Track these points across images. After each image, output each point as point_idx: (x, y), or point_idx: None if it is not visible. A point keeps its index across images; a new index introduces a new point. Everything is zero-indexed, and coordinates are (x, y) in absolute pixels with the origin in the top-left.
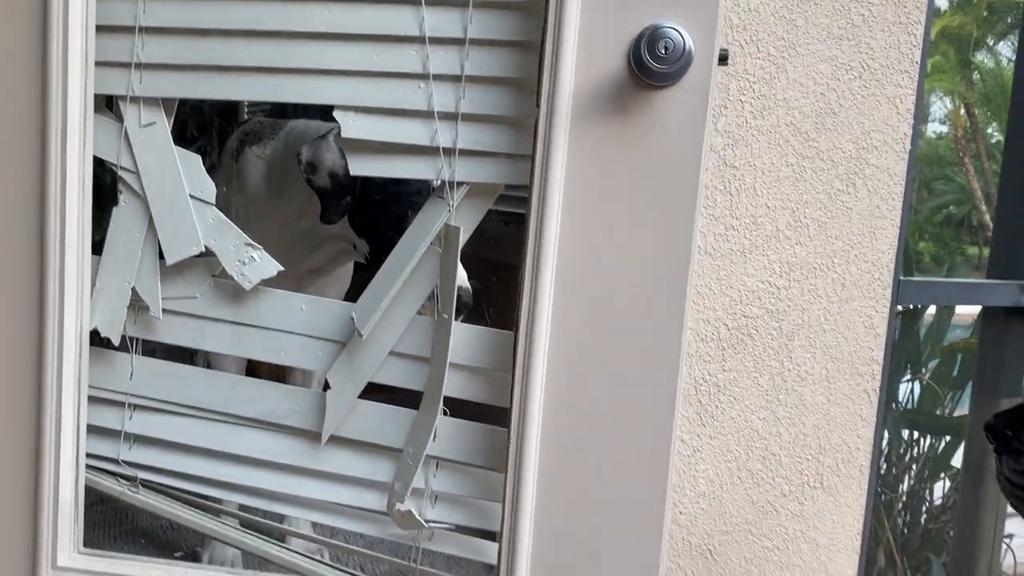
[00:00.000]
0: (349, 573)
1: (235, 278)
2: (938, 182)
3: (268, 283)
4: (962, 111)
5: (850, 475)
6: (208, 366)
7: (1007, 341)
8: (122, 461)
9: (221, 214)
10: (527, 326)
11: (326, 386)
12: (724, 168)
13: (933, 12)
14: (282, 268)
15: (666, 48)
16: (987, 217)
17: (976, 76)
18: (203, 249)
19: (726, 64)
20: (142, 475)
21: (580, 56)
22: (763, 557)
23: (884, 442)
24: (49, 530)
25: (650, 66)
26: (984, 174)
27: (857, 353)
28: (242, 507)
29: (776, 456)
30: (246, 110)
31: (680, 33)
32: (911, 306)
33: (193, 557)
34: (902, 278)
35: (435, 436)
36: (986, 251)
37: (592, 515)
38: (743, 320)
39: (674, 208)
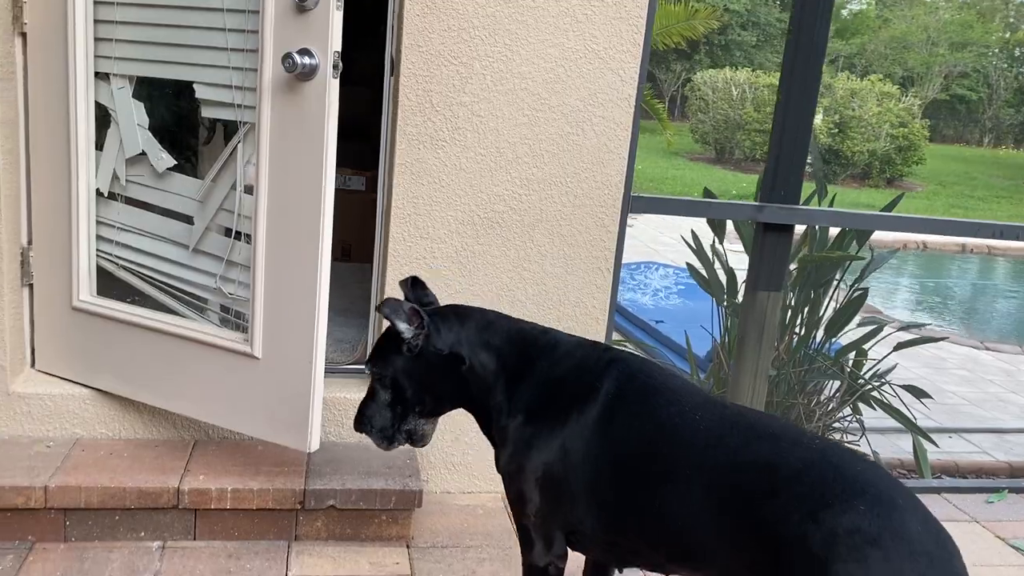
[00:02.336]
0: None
1: (154, 165)
2: None
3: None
4: None
5: (587, 324)
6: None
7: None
8: (111, 254)
9: (149, 133)
10: (254, 197)
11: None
12: (472, 117)
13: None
14: (175, 162)
15: (300, 62)
16: None
17: None
18: (141, 150)
19: (338, 70)
20: (121, 261)
21: (272, 63)
22: None
23: None
24: (76, 280)
25: (294, 70)
26: None
27: (592, 243)
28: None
29: (522, 302)
30: None
31: (311, 53)
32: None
33: None
34: (632, 195)
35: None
36: None
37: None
38: (492, 213)
39: (315, 137)
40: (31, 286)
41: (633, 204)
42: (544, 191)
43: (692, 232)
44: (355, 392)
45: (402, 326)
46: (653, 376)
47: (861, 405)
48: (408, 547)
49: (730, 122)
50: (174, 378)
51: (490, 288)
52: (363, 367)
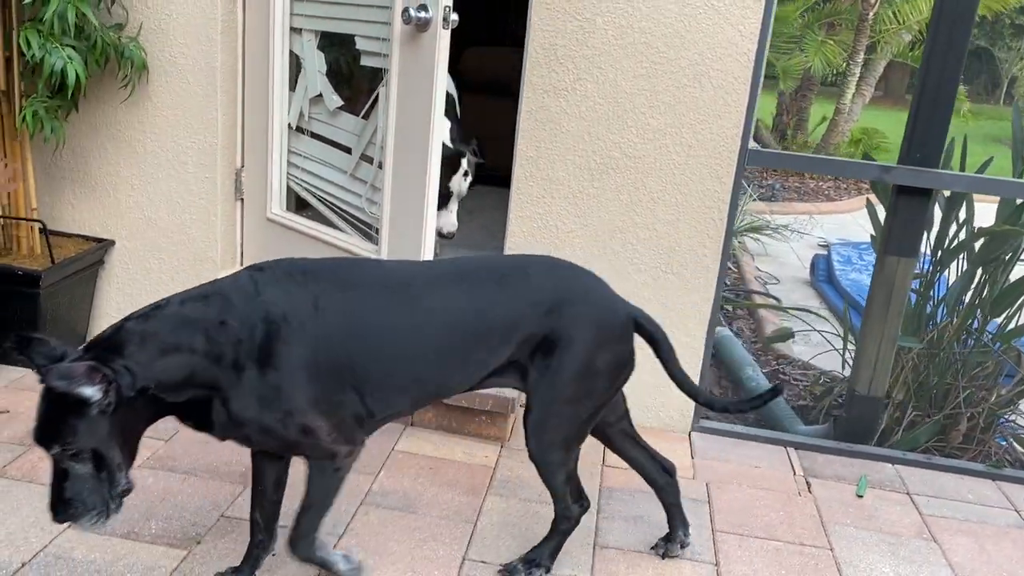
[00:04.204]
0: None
1: (328, 104)
2: None
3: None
4: None
5: (697, 273)
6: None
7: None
8: (297, 177)
9: (326, 78)
10: (384, 132)
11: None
12: (592, 69)
13: None
14: (342, 102)
15: (414, 16)
16: None
17: None
18: (319, 92)
19: (449, 22)
20: (303, 183)
21: (398, 17)
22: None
23: None
24: (269, 196)
25: (410, 22)
26: None
27: (705, 193)
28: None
29: (633, 245)
30: None
31: (426, 8)
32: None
33: None
34: (750, 148)
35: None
36: None
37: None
38: (608, 159)
39: (428, 73)
40: (242, 200)
41: (750, 158)
42: (659, 140)
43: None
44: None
45: (88, 391)
46: (318, 274)
47: None
48: (502, 447)
49: None
50: None
51: (603, 230)
52: None
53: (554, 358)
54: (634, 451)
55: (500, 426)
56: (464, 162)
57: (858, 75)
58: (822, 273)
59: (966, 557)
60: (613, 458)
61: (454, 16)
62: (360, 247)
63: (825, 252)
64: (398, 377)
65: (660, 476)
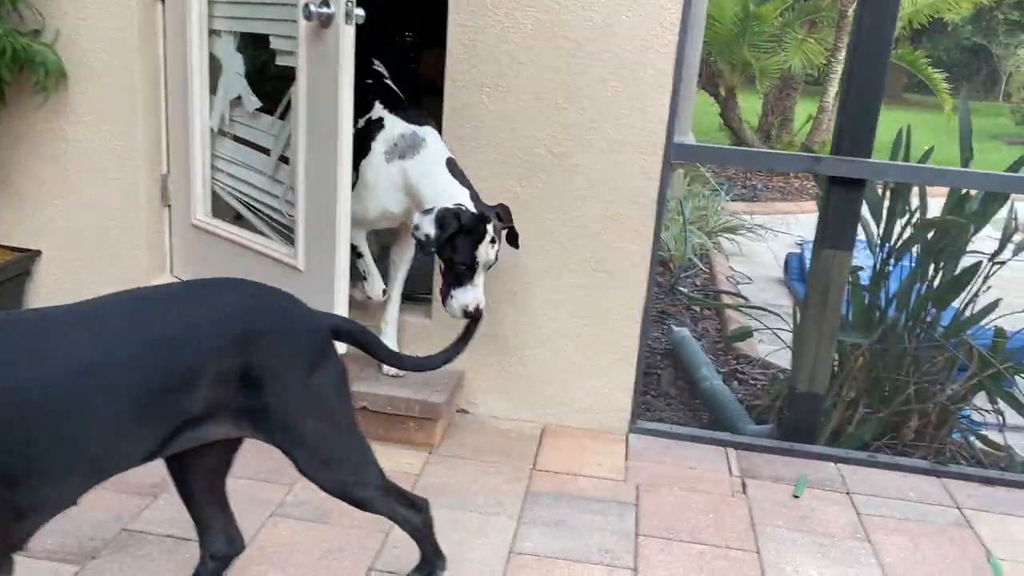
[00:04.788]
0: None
1: (246, 106)
2: None
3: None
4: None
5: (627, 271)
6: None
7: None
8: (221, 181)
9: (244, 80)
10: (295, 132)
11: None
12: (514, 64)
13: None
14: (260, 104)
15: (315, 11)
16: None
17: None
18: (238, 94)
19: (351, 18)
20: (227, 188)
21: (303, 14)
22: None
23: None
24: (194, 202)
25: (311, 19)
26: None
27: (634, 190)
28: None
29: (563, 244)
30: None
31: (328, 3)
32: None
33: None
34: (675, 141)
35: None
36: None
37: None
38: (533, 156)
39: (333, 70)
40: (169, 207)
41: (676, 152)
42: (583, 137)
43: None
44: (416, 317)
45: None
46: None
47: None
48: (430, 453)
49: None
50: None
51: (533, 231)
52: (423, 295)
53: (266, 395)
54: (211, 511)
55: (429, 431)
56: (490, 228)
57: (840, 73)
58: (795, 271)
59: (898, 557)
60: (542, 461)
61: (359, 11)
62: (281, 252)
63: (799, 250)
64: (60, 450)
65: (221, 547)
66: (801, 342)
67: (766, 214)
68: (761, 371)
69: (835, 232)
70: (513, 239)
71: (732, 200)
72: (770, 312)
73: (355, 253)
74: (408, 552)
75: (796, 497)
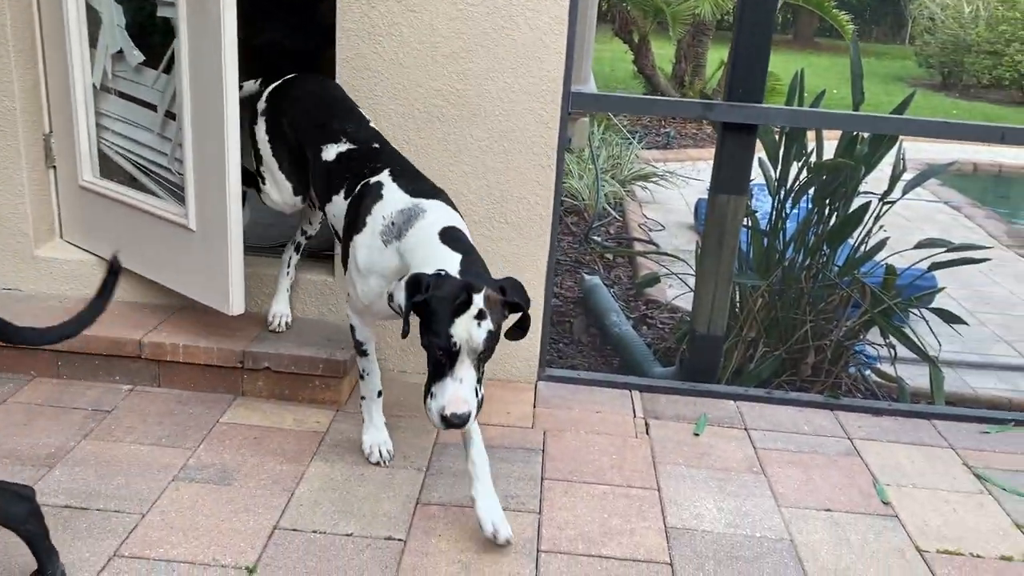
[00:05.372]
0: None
1: (129, 60)
2: None
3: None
4: None
5: (531, 221)
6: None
7: None
8: (107, 140)
9: (125, 32)
10: (180, 85)
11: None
12: (407, 12)
13: None
14: (144, 58)
15: None
16: None
17: None
18: (119, 48)
19: None
20: (114, 146)
21: None
22: None
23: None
24: (80, 163)
25: None
26: None
27: (532, 139)
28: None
29: (464, 195)
30: None
31: None
32: None
33: None
34: (572, 90)
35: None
36: None
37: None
38: (431, 107)
39: (215, 20)
40: (55, 168)
41: (574, 100)
42: (480, 86)
43: None
44: (317, 274)
45: None
46: None
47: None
48: (337, 411)
49: (959, 44)
50: (146, 248)
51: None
52: (325, 252)
53: None
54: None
55: (335, 389)
56: (478, 299)
57: None
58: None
59: (791, 487)
60: None
61: None
62: (173, 212)
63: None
64: None
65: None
66: (701, 286)
67: (678, 161)
68: (669, 315)
69: (729, 177)
70: (521, 323)
71: (646, 148)
72: (678, 258)
73: (358, 349)
74: (314, 507)
75: (697, 435)
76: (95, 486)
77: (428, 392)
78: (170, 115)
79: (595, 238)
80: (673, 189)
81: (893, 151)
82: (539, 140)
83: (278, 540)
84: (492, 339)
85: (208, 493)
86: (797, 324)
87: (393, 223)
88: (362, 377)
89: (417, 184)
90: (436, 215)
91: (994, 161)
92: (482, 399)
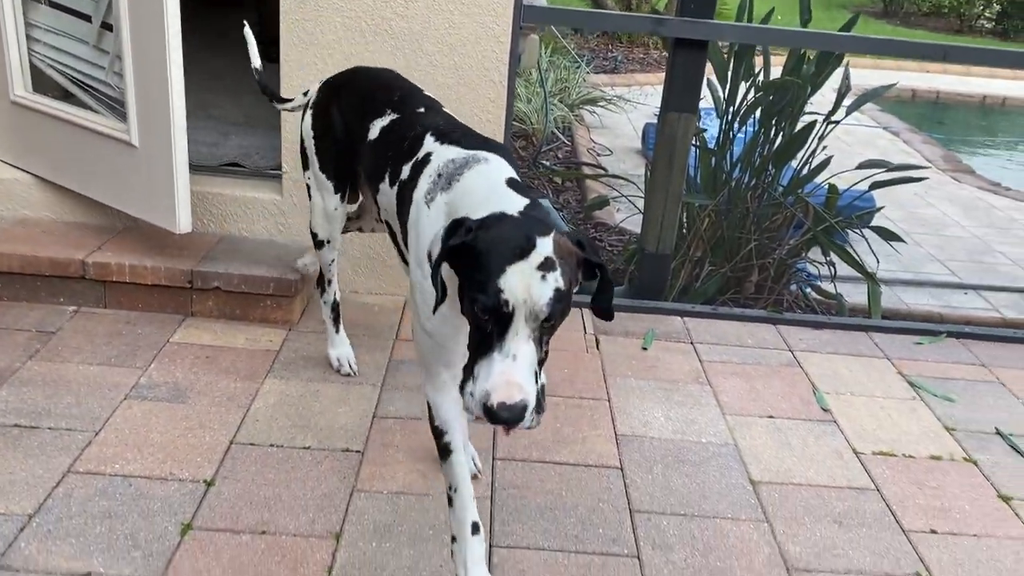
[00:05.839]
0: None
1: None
2: None
3: None
4: None
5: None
6: None
7: None
8: (40, 52)
9: None
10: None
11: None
12: None
13: None
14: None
15: None
16: None
17: None
18: None
19: None
20: (47, 60)
21: None
22: None
23: None
24: (10, 77)
25: None
26: None
27: (484, 54)
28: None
29: None
30: None
31: None
32: None
33: None
34: (524, 3)
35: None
36: None
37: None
38: (380, 20)
39: None
40: None
41: (525, 13)
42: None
43: None
44: (266, 193)
45: None
46: None
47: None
48: (290, 330)
49: None
50: (85, 165)
51: None
52: (274, 170)
53: None
54: None
55: (287, 308)
56: (544, 247)
57: None
58: (651, 141)
59: (734, 396)
60: (405, 331)
61: None
62: (113, 128)
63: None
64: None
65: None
66: (650, 205)
67: (626, 86)
68: (617, 237)
69: (680, 95)
70: (602, 289)
71: (594, 72)
72: (628, 181)
73: (437, 439)
74: (271, 423)
75: (645, 350)
76: (44, 405)
77: (468, 374)
78: (107, 26)
79: (543, 162)
80: (621, 114)
81: (839, 71)
82: (491, 55)
83: (235, 454)
84: (561, 301)
85: (162, 411)
86: (742, 243)
87: (440, 174)
88: (450, 503)
89: (471, 139)
90: (500, 164)
91: (932, 87)
92: (543, 388)
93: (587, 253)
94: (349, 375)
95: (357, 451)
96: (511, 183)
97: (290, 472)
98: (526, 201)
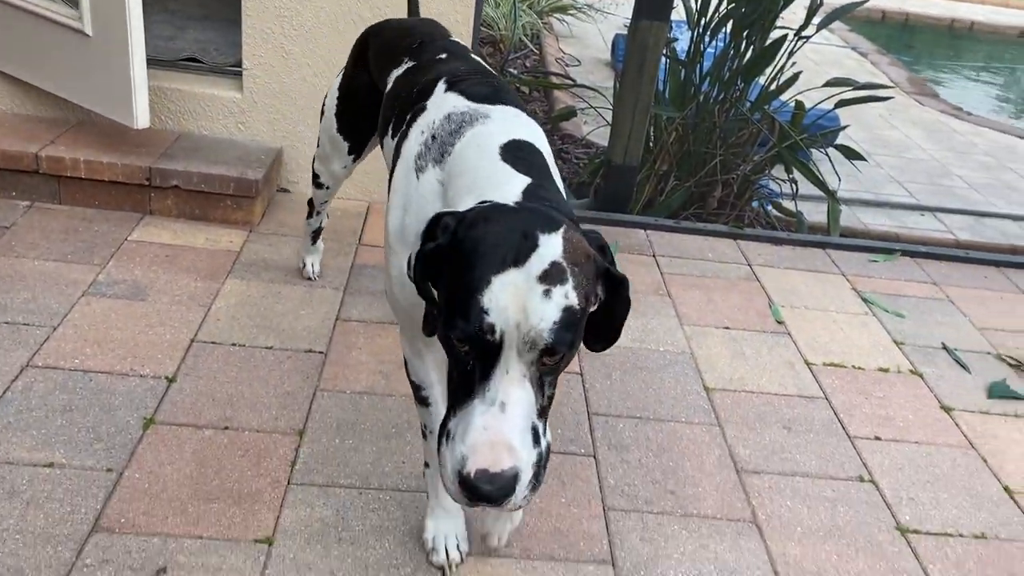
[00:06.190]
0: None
1: None
2: None
3: None
4: None
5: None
6: None
7: None
8: None
9: None
10: None
11: None
12: None
13: None
14: None
15: None
16: None
17: None
18: None
19: None
20: None
21: None
22: None
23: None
24: None
25: None
26: None
27: None
28: None
29: (368, 20)
30: None
31: None
32: None
33: None
34: None
35: None
36: None
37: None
38: None
39: None
40: None
41: None
42: None
43: None
44: (225, 90)
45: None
46: None
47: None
48: (251, 231)
49: None
50: (35, 54)
51: (332, 4)
52: (234, 67)
53: None
54: None
55: (247, 209)
56: (550, 244)
57: None
58: (621, 52)
59: (693, 307)
60: (368, 236)
61: None
62: (64, 14)
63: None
64: None
65: None
66: (618, 116)
67: None
68: (584, 150)
69: (653, 1)
70: (612, 315)
71: None
72: (597, 92)
73: (417, 396)
74: (232, 322)
75: None
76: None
77: (443, 431)
78: None
79: (511, 71)
80: (591, 23)
81: None
82: None
83: (196, 352)
84: (571, 327)
85: (121, 308)
86: (707, 158)
87: (434, 137)
88: (424, 437)
89: (481, 86)
90: (502, 123)
91: (901, 9)
92: (547, 451)
93: (607, 257)
94: (310, 279)
95: (320, 352)
96: (508, 151)
97: (252, 371)
98: (527, 180)
